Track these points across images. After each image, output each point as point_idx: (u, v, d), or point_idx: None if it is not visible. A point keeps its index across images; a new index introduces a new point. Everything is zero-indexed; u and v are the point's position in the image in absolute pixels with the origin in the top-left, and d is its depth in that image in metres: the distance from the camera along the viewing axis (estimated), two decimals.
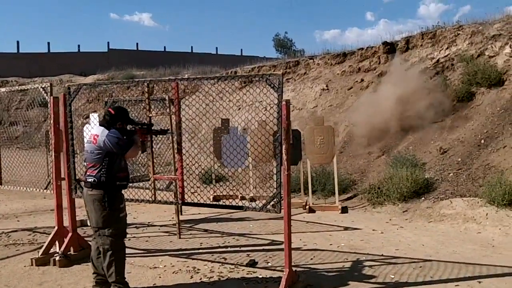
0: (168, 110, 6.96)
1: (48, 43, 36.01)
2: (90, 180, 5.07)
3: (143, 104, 8.35)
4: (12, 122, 20.51)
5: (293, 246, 7.07)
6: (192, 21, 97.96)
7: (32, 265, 6.44)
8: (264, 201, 5.54)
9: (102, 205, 5.04)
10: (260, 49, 71.85)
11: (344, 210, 9.70)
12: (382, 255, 6.65)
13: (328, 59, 16.45)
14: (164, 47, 40.49)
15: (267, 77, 5.27)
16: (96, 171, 5.04)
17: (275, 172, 5.32)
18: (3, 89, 7.56)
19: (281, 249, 6.12)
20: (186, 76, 19.32)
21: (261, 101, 11.93)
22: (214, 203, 5.61)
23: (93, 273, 5.39)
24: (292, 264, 6.04)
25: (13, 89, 7.43)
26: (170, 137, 7.36)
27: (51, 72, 28.72)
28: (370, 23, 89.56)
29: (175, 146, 7.37)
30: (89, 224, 5.38)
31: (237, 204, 6.29)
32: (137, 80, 6.02)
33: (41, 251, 6.65)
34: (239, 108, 14.06)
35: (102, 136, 5.02)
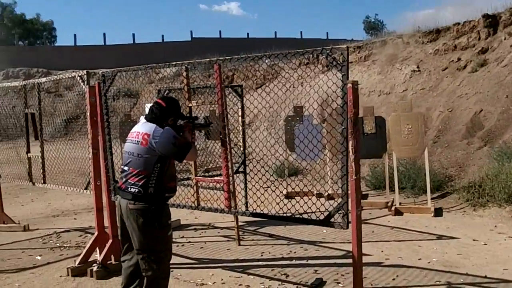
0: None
1: (133, 34, 36.29)
2: (133, 190, 3.97)
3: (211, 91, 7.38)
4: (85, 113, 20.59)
5: (373, 260, 5.86)
6: (277, 7, 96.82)
7: (68, 275, 5.69)
8: (330, 210, 4.35)
9: (148, 222, 3.96)
10: (348, 33, 69.19)
11: (438, 212, 8.18)
12: (485, 276, 5.22)
13: (419, 37, 14.75)
14: (247, 34, 39.85)
15: (327, 52, 4.06)
16: (143, 179, 3.95)
17: (339, 176, 4.12)
18: (43, 79, 6.90)
19: None
20: (266, 62, 18.31)
21: (338, 88, 10.68)
22: (266, 213, 4.47)
23: None
24: (369, 285, 4.90)
25: (52, 79, 6.73)
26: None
27: (135, 62, 28.73)
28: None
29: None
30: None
31: (298, 215, 5.10)
32: (174, 63, 5.01)
33: (78, 259, 5.88)
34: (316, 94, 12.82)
35: (154, 136, 3.94)
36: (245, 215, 4.82)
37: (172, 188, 4.15)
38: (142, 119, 4.26)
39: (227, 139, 4.82)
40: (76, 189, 6.79)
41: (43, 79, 6.87)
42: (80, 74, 6.06)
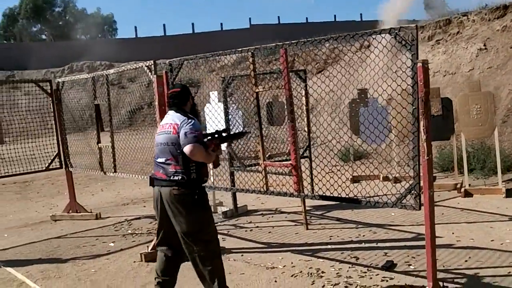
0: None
1: (192, 24, 36.67)
2: (177, 177, 4.13)
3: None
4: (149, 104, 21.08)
5: (444, 242, 5.75)
6: None
7: (141, 260, 5.88)
8: (402, 191, 4.31)
9: (194, 205, 4.15)
10: (410, 13, 67.22)
11: (510, 193, 7.90)
12: None
13: (485, 14, 14.17)
14: (306, 18, 39.54)
15: (396, 31, 3.99)
16: (184, 167, 4.14)
17: (411, 157, 4.06)
18: (111, 71, 7.10)
19: None
20: (326, 46, 18.12)
21: (407, 68, 10.46)
22: (336, 196, 4.46)
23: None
24: (441, 267, 4.80)
25: (120, 70, 6.91)
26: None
27: (194, 51, 29.10)
28: None
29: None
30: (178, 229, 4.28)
31: (367, 198, 5.07)
32: (240, 49, 5.05)
33: (151, 245, 6.05)
34: (381, 77, 12.55)
35: (180, 126, 4.18)
36: (315, 198, 4.82)
37: (206, 172, 4.36)
38: (170, 112, 4.42)
39: (295, 123, 4.83)
40: (146, 178, 6.97)
41: (111, 71, 7.08)
42: (147, 64, 6.20)
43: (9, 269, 5.99)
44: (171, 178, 4.14)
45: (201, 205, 4.20)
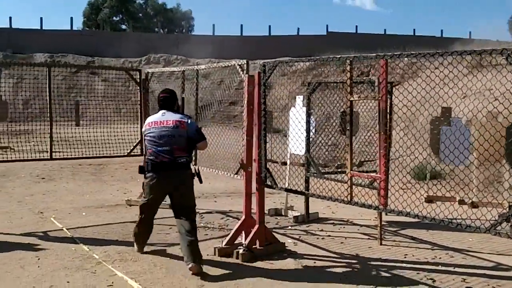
0: (377, 94, 5.87)
1: (269, 26, 36.74)
2: (182, 160, 5.54)
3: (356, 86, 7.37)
4: (232, 102, 21.30)
5: None
6: (417, 2, 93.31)
7: (214, 254, 5.96)
8: (495, 218, 4.17)
9: (192, 181, 5.66)
10: (492, 33, 64.93)
11: None
12: None
13: None
14: (385, 30, 38.93)
15: (508, 53, 3.87)
16: (185, 152, 5.60)
17: (506, 178, 3.92)
18: (202, 66, 7.24)
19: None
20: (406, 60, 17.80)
21: (491, 89, 10.11)
22: (418, 214, 4.36)
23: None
24: None
25: (212, 66, 7.04)
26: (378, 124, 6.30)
27: (270, 55, 29.27)
28: None
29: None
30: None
31: (448, 218, 4.92)
32: (339, 56, 5.01)
33: (225, 241, 6.13)
34: (464, 97, 12.21)
35: (189, 124, 5.65)
36: (401, 214, 4.67)
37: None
38: (160, 112, 5.75)
39: (387, 135, 4.76)
40: (227, 174, 7.07)
41: (202, 66, 7.22)
42: (239, 63, 6.28)
43: (87, 246, 6.20)
44: (179, 161, 5.50)
45: (201, 181, 5.79)
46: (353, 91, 4.93)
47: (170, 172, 5.52)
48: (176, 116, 5.64)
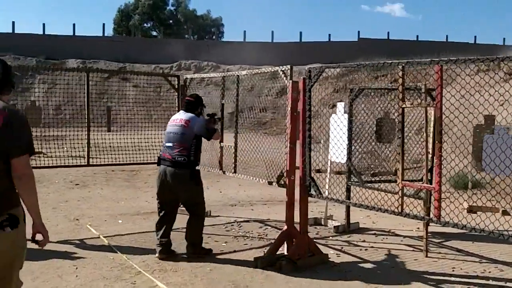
0: (424, 100, 5.67)
1: (300, 33, 36.56)
2: (180, 159, 5.76)
3: (394, 93, 7.19)
4: (262, 108, 21.16)
5: None
6: (447, 9, 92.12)
7: (256, 266, 5.77)
8: None
9: (191, 180, 5.84)
10: None
11: None
12: None
13: None
14: (417, 36, 38.45)
15: None
16: (186, 151, 5.78)
17: None
18: (243, 72, 7.10)
19: None
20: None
21: None
22: (475, 227, 4.12)
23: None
24: None
25: (253, 72, 6.90)
26: (425, 132, 6.09)
27: (301, 61, 29.08)
28: None
29: (430, 146, 6.10)
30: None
31: (499, 230, 4.66)
32: (390, 61, 4.82)
33: (266, 251, 5.96)
34: (501, 104, 11.79)
35: (194, 122, 5.91)
36: (457, 227, 4.44)
37: (200, 157, 6.09)
38: (181, 111, 6.26)
39: (441, 144, 4.54)
40: (263, 181, 6.89)
41: (243, 72, 7.07)
42: (283, 69, 6.12)
43: (125, 255, 6.09)
44: (176, 159, 5.78)
45: (196, 181, 5.92)
46: (405, 97, 4.71)
47: (168, 168, 5.84)
48: (186, 116, 5.99)
